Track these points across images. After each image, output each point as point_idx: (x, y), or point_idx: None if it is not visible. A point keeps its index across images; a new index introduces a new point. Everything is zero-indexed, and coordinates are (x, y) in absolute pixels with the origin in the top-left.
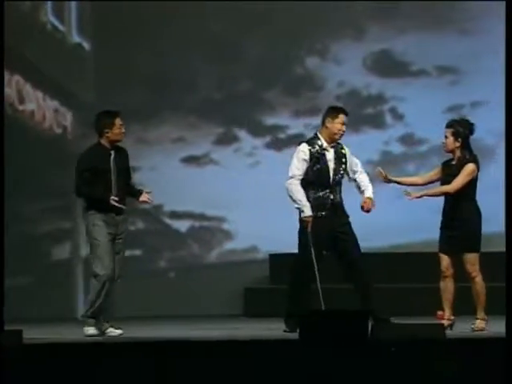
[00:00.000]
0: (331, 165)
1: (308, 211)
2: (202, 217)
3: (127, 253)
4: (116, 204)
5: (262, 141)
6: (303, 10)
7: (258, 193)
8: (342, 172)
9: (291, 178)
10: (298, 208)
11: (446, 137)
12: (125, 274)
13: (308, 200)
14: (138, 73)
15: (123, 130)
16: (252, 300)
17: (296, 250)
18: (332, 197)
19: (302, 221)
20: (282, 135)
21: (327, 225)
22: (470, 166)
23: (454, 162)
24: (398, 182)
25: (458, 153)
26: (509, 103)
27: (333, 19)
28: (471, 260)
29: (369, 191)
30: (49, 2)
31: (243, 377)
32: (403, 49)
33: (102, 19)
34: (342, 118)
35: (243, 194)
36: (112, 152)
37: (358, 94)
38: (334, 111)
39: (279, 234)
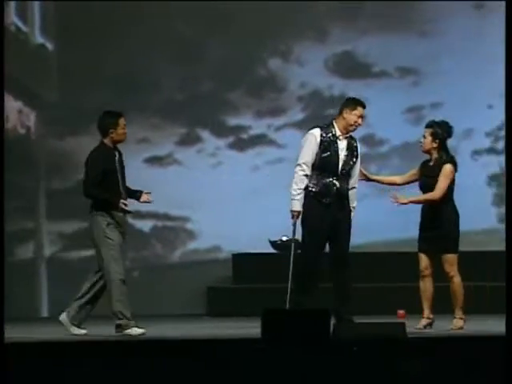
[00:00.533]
0: (342, 155)
1: (296, 206)
2: (165, 217)
3: (90, 252)
4: (125, 208)
5: (224, 141)
6: (268, 11)
7: (221, 193)
8: (351, 164)
9: (299, 165)
10: (291, 199)
11: (424, 136)
12: (90, 273)
13: (315, 186)
14: (101, 73)
15: (126, 131)
16: (215, 299)
17: (258, 250)
18: (338, 185)
19: (304, 214)
20: (244, 136)
21: (330, 212)
22: (448, 167)
23: (431, 163)
24: (378, 181)
25: (435, 154)
26: (509, 103)
27: (296, 20)
28: (450, 260)
29: (352, 215)
30: (11, 3)
31: (206, 376)
32: (365, 50)
33: (66, 19)
34: (360, 110)
35: (206, 194)
36: (116, 153)
37: (320, 95)
38: (352, 103)
39: (242, 234)
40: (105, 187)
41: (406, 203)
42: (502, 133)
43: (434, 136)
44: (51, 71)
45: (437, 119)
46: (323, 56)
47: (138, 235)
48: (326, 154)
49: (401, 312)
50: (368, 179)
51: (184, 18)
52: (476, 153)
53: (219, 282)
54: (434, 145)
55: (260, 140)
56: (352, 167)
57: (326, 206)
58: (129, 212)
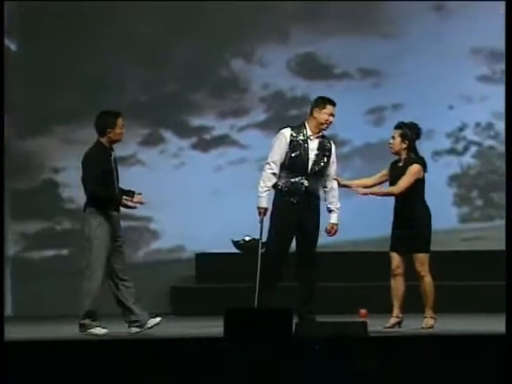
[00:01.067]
0: (312, 155)
1: (263, 203)
2: (128, 217)
3: (55, 252)
4: (129, 204)
5: (187, 142)
6: (230, 12)
7: (184, 193)
8: (322, 164)
9: (267, 163)
10: (258, 196)
11: (393, 137)
12: (53, 273)
13: (284, 185)
14: (65, 74)
15: (123, 131)
16: (178, 299)
17: (221, 250)
18: (306, 184)
19: (272, 212)
20: (207, 136)
21: (298, 211)
22: (415, 167)
23: (400, 164)
24: (348, 186)
25: (404, 154)
26: (509, 103)
27: (258, 21)
28: (421, 260)
29: (335, 216)
30: None
31: (169, 375)
32: (327, 52)
33: (30, 20)
34: (329, 108)
35: (170, 195)
36: (112, 152)
37: (282, 96)
38: (321, 102)
39: (205, 234)
40: (105, 186)
41: (366, 193)
42: (463, 133)
43: (403, 137)
44: (16, 72)
45: (399, 120)
46: (286, 57)
47: None
48: (295, 154)
49: (362, 311)
50: (339, 184)
51: (147, 20)
52: (436, 153)
53: (182, 282)
54: (404, 145)
55: (223, 140)
56: (324, 167)
57: (294, 205)
58: (133, 207)
